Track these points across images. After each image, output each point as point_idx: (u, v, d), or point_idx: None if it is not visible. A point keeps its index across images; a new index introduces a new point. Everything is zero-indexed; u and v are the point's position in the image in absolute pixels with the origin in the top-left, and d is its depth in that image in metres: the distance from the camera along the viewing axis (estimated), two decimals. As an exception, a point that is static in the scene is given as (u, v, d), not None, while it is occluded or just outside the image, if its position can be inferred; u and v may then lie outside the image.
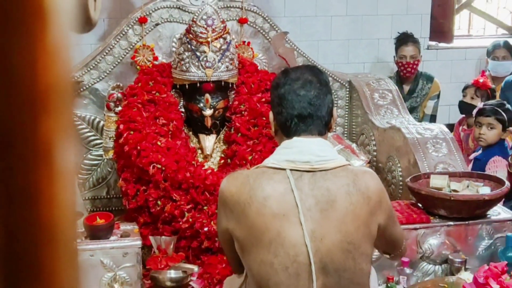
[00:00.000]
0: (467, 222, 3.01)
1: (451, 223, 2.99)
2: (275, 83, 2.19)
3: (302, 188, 2.05)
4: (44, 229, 0.34)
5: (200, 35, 3.08)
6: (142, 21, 3.43)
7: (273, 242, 2.03)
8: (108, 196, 3.54)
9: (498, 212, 3.10)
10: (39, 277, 0.34)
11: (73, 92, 0.53)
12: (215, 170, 3.08)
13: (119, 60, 3.45)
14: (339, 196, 2.08)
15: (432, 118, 4.56)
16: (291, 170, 2.06)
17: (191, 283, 2.85)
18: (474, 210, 3.00)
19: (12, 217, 0.33)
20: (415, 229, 2.96)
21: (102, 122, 3.39)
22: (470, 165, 3.63)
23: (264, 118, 3.14)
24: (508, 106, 3.76)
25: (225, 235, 2.14)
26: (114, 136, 3.18)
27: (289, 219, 2.03)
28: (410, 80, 4.63)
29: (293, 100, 2.10)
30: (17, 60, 0.32)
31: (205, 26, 3.08)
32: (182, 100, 3.26)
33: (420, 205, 3.09)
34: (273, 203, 2.03)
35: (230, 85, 3.25)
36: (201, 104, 3.14)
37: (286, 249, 2.04)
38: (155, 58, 3.42)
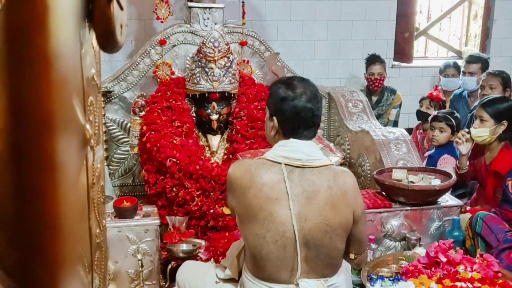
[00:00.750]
0: (421, 208, 3.02)
1: (409, 208, 3.01)
2: (284, 95, 2.12)
3: (293, 179, 2.07)
4: (48, 220, 0.33)
5: (209, 54, 3.09)
6: (162, 43, 3.45)
7: (266, 219, 2.05)
8: (133, 184, 3.55)
9: (447, 199, 3.11)
10: (46, 259, 0.33)
11: (72, 113, 0.55)
12: (220, 163, 3.10)
13: (143, 74, 3.47)
14: (321, 188, 2.10)
15: (395, 124, 4.53)
16: (285, 164, 2.09)
17: (199, 254, 2.84)
18: (427, 198, 3.02)
19: (23, 212, 0.32)
20: (380, 212, 2.97)
21: (129, 124, 3.39)
22: (425, 162, 3.65)
23: (259, 122, 3.15)
24: (456, 114, 3.77)
25: (232, 209, 2.18)
26: (138, 135, 3.18)
27: (280, 202, 2.05)
28: (377, 92, 4.60)
29: (302, 112, 2.09)
30: (25, 91, 0.32)
31: (213, 47, 3.09)
32: (193, 107, 3.26)
33: (384, 193, 3.09)
34: (268, 189, 2.05)
35: (232, 95, 3.25)
36: (209, 110, 3.15)
37: (276, 226, 2.06)
38: (172, 73, 3.43)
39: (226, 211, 2.85)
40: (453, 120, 3.64)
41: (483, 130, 3.24)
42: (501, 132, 3.24)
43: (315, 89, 2.16)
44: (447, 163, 3.51)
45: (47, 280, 0.32)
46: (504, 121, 3.22)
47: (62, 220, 0.33)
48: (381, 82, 4.57)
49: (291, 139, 2.11)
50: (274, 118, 2.16)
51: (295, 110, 2.09)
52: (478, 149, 3.46)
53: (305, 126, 2.11)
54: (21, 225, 0.33)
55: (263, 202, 2.03)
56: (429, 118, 3.82)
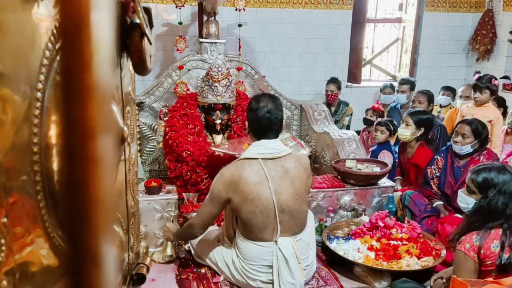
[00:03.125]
0: (366, 187, 3.02)
1: (357, 188, 3.01)
2: (250, 107, 2.19)
3: (268, 166, 2.12)
4: (90, 198, 0.33)
5: (214, 76, 3.08)
6: (180, 67, 3.43)
7: (255, 198, 2.08)
8: (159, 169, 3.52)
9: (384, 181, 3.11)
10: (89, 226, 0.33)
11: (113, 119, 0.55)
12: (221, 155, 3.11)
13: (166, 90, 3.45)
14: (290, 169, 2.15)
15: (347, 127, 4.55)
16: (261, 158, 2.13)
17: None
18: (370, 180, 3.03)
19: (73, 192, 0.33)
20: (336, 191, 2.97)
21: (156, 126, 3.37)
22: (369, 155, 3.68)
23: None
24: (394, 122, 3.79)
25: (223, 202, 2.14)
26: (162, 134, 3.16)
27: (263, 184, 2.09)
28: (334, 104, 4.61)
29: (261, 120, 2.14)
30: (76, 111, 0.32)
31: (217, 71, 3.08)
32: (203, 114, 3.26)
33: (339, 177, 3.10)
34: (253, 177, 2.09)
35: (231, 106, 3.25)
36: (214, 117, 3.14)
37: (262, 202, 2.09)
38: (188, 90, 3.40)
39: None
40: (391, 126, 3.66)
41: (406, 131, 3.28)
42: (418, 135, 3.28)
43: (276, 103, 2.19)
44: (385, 157, 3.53)
45: (90, 240, 0.34)
46: (422, 127, 3.27)
47: (101, 198, 0.34)
48: (334, 97, 4.57)
49: (262, 140, 2.17)
50: (247, 123, 2.23)
51: (256, 117, 2.15)
52: (403, 147, 3.50)
53: (265, 129, 2.16)
54: (72, 202, 0.34)
55: (251, 187, 2.07)
56: (375, 123, 3.84)
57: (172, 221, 2.46)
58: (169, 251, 2.64)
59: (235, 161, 2.22)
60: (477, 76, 3.79)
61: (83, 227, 0.32)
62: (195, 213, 2.81)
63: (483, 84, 3.58)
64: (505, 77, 4.85)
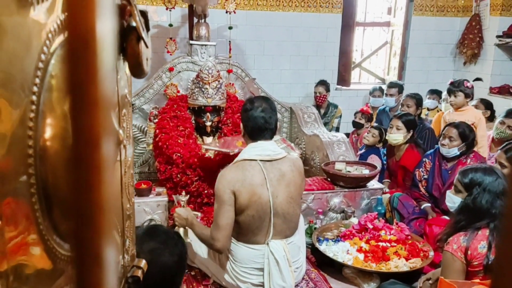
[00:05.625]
0: (355, 189, 3.04)
1: (346, 190, 3.03)
2: (245, 107, 2.20)
3: (267, 169, 2.11)
4: (95, 202, 0.35)
5: (204, 78, 3.08)
6: (170, 69, 3.42)
7: (256, 201, 2.07)
8: (149, 171, 3.50)
9: (373, 184, 3.14)
10: (93, 228, 0.35)
11: (111, 124, 0.57)
12: (212, 157, 3.10)
13: (157, 92, 3.44)
14: (286, 172, 2.15)
15: (337, 130, 4.57)
16: (260, 160, 2.13)
17: (196, 222, 2.86)
18: (360, 182, 3.05)
19: (78, 196, 0.34)
20: (326, 193, 2.99)
21: (146, 128, 3.35)
22: (358, 157, 3.71)
23: (241, 128, 3.16)
24: (384, 127, 3.84)
25: (233, 202, 2.06)
26: (152, 136, 3.14)
27: (263, 187, 2.09)
28: (323, 107, 4.63)
29: (256, 119, 2.14)
30: (82, 120, 0.34)
31: (207, 73, 3.08)
32: (193, 116, 3.26)
33: (329, 179, 3.11)
34: (256, 178, 2.08)
35: (221, 108, 3.25)
36: (204, 119, 3.13)
37: (262, 206, 2.09)
38: (178, 92, 3.39)
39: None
40: (383, 132, 3.68)
41: (399, 136, 3.30)
42: (408, 137, 3.31)
43: (270, 104, 2.21)
44: (373, 161, 3.56)
45: (93, 243, 0.35)
46: (411, 130, 3.30)
47: (104, 201, 0.35)
48: (322, 99, 4.59)
49: (259, 141, 2.15)
50: (242, 124, 2.23)
51: (252, 117, 2.15)
52: (390, 150, 3.53)
53: (260, 128, 2.15)
54: (77, 206, 0.35)
55: (254, 187, 2.07)
56: (370, 126, 3.87)
57: (183, 206, 2.39)
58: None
59: (233, 162, 2.20)
60: (450, 81, 3.87)
61: (89, 230, 0.33)
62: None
63: (456, 87, 3.66)
64: (478, 79, 4.93)
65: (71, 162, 0.33)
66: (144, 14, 0.64)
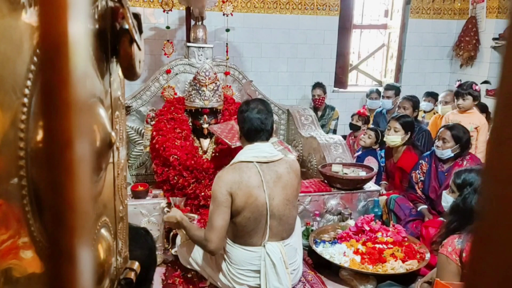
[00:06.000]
0: (352, 191, 3.04)
1: (343, 192, 3.02)
2: (241, 109, 2.21)
3: (264, 171, 2.11)
4: (67, 207, 0.35)
5: (202, 81, 3.07)
6: (168, 72, 3.41)
7: (252, 203, 2.07)
8: (146, 173, 3.49)
9: (370, 186, 3.14)
10: (66, 229, 0.35)
11: (100, 125, 0.57)
12: (209, 159, 3.10)
13: (154, 94, 3.43)
14: (283, 174, 2.15)
15: (334, 132, 4.56)
16: (256, 162, 2.13)
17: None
18: (356, 184, 3.05)
19: (52, 202, 0.35)
20: (323, 195, 2.98)
21: (143, 130, 3.34)
22: (355, 160, 3.72)
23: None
24: (380, 128, 3.83)
25: (229, 204, 2.05)
26: (149, 138, 3.14)
27: (260, 188, 2.09)
28: (321, 109, 4.62)
29: (252, 121, 2.15)
30: (54, 123, 0.34)
31: (204, 76, 3.08)
32: (190, 118, 3.26)
33: (326, 181, 3.11)
34: (253, 180, 2.08)
35: (219, 110, 3.24)
36: (201, 121, 3.12)
37: (258, 208, 2.09)
38: (175, 94, 3.39)
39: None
40: (380, 133, 3.68)
41: (396, 138, 3.31)
42: (406, 139, 3.32)
43: (266, 106, 2.21)
44: (370, 163, 3.56)
45: (66, 241, 0.36)
46: (409, 131, 3.31)
47: (77, 202, 0.36)
48: (321, 101, 4.59)
49: (255, 143, 2.15)
50: (238, 126, 2.23)
51: (248, 118, 2.15)
52: (389, 152, 3.53)
53: (256, 130, 2.15)
54: (51, 206, 0.36)
55: (251, 189, 2.07)
56: (366, 128, 3.87)
57: (167, 211, 2.38)
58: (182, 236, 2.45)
59: (230, 164, 2.20)
60: (458, 83, 3.87)
61: (60, 229, 0.34)
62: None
63: (465, 90, 3.65)
64: (486, 82, 4.94)
65: (43, 162, 0.34)
66: (137, 16, 0.64)
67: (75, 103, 0.34)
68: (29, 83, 0.56)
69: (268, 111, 2.18)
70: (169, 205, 2.92)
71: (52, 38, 0.33)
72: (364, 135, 3.77)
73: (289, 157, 2.36)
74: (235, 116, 3.22)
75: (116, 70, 0.66)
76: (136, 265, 0.73)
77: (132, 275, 0.69)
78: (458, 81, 4.00)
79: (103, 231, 0.62)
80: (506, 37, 0.25)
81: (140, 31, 0.64)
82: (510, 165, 0.24)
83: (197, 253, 2.40)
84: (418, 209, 3.01)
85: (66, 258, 0.35)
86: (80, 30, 0.35)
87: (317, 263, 2.62)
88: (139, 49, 0.64)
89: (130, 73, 0.65)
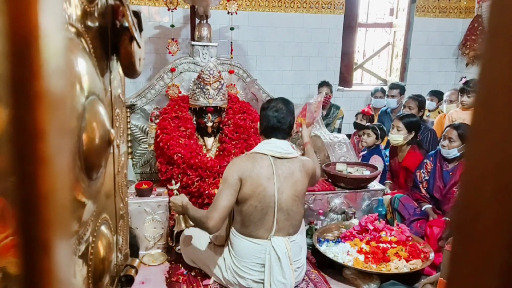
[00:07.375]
0: (356, 191, 3.04)
1: (347, 191, 3.03)
2: (262, 106, 2.31)
3: (277, 165, 2.18)
4: (39, 198, 0.35)
5: (206, 79, 3.08)
6: (172, 70, 3.42)
7: (260, 193, 2.14)
8: (150, 172, 3.50)
9: (374, 185, 3.14)
10: (39, 226, 0.35)
11: (97, 122, 0.57)
12: (213, 158, 3.10)
13: (158, 93, 3.43)
14: (295, 171, 2.21)
15: (338, 131, 4.55)
16: (271, 155, 2.18)
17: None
18: (360, 183, 3.05)
19: (24, 193, 0.35)
20: (327, 194, 2.99)
21: (147, 129, 3.34)
22: (360, 160, 3.71)
23: (242, 128, 3.13)
24: (382, 126, 3.81)
25: (237, 188, 2.10)
26: (154, 137, 3.14)
27: (270, 180, 2.15)
28: (326, 107, 4.60)
29: (269, 118, 2.22)
30: (25, 115, 0.34)
31: (209, 74, 3.08)
32: (194, 117, 3.26)
33: (330, 180, 3.12)
34: (264, 171, 2.15)
35: (223, 109, 3.24)
36: (205, 119, 3.13)
37: (266, 198, 2.15)
38: (179, 92, 3.39)
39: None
40: (378, 130, 3.67)
41: (399, 136, 3.30)
42: (409, 139, 3.30)
43: (286, 105, 2.28)
44: (375, 161, 3.55)
45: (39, 231, 0.36)
46: (413, 131, 3.29)
47: (50, 193, 0.35)
48: (327, 100, 4.57)
49: (272, 139, 2.23)
50: (258, 122, 2.32)
51: (265, 116, 2.24)
52: (393, 151, 3.52)
53: (272, 127, 2.23)
54: (23, 197, 0.36)
55: (261, 179, 2.14)
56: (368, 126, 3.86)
57: (176, 194, 2.41)
58: (183, 225, 2.45)
59: (245, 153, 2.29)
60: (463, 80, 3.84)
61: (33, 219, 0.34)
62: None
63: (470, 87, 3.63)
64: None
65: (14, 154, 0.34)
66: (137, 14, 0.64)
67: (48, 95, 0.34)
68: None
69: (288, 111, 2.26)
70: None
71: (21, 30, 0.33)
72: (363, 134, 3.75)
73: (306, 158, 2.39)
74: (240, 115, 3.24)
75: (117, 68, 0.66)
76: (136, 262, 0.73)
77: (132, 272, 0.70)
78: (464, 77, 3.97)
79: (103, 228, 0.62)
80: (484, 36, 0.26)
81: (140, 29, 0.64)
82: (486, 161, 0.25)
83: (201, 251, 2.41)
84: (423, 208, 3.00)
85: (41, 251, 0.35)
86: (53, 22, 0.35)
87: (320, 262, 2.62)
88: (139, 47, 0.64)
89: (130, 71, 0.65)
